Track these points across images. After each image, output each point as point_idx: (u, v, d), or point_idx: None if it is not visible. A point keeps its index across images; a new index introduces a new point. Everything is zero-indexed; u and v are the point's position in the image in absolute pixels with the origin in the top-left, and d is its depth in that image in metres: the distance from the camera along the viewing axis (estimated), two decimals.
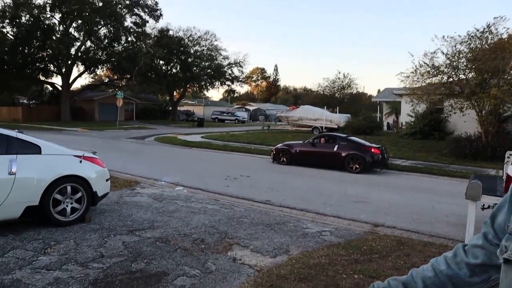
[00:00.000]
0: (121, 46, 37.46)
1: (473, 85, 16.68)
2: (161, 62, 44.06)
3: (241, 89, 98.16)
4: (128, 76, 38.21)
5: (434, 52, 17.77)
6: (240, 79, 50.35)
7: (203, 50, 46.47)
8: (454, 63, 17.42)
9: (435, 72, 17.87)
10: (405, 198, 9.22)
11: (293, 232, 5.89)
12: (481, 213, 6.34)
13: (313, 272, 4.30)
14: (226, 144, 20.45)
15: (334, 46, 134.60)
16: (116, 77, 41.48)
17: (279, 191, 9.32)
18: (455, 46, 17.28)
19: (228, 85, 50.92)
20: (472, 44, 16.97)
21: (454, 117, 19.13)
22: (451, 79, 17.80)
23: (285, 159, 14.49)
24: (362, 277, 4.19)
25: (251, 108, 61.27)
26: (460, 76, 17.73)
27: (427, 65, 17.85)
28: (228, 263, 4.50)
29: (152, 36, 40.64)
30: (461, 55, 17.21)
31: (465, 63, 17.36)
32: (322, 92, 57.23)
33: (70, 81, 36.68)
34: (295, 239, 5.55)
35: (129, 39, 37.48)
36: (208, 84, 49.43)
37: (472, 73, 17.24)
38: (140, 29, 37.05)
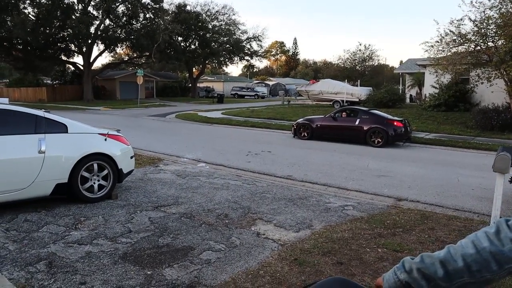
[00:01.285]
0: (139, 24, 37.43)
1: (503, 53, 15.97)
2: (180, 38, 43.90)
3: (260, 64, 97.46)
4: (148, 54, 38.33)
5: (461, 19, 17.07)
6: (259, 54, 49.81)
7: (221, 25, 45.97)
8: (483, 30, 16.68)
9: (461, 41, 17.20)
10: (428, 171, 9.09)
11: (316, 206, 5.92)
12: (508, 186, 6.21)
13: (337, 246, 4.33)
14: (246, 120, 20.46)
15: (355, 16, 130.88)
16: (135, 55, 41.68)
17: (301, 166, 9.33)
18: (484, 11, 16.52)
19: (247, 60, 50.54)
20: (503, 9, 16.16)
21: (481, 88, 18.50)
22: (478, 48, 17.10)
23: (306, 134, 14.42)
24: (385, 251, 4.21)
25: (270, 83, 60.80)
26: (488, 44, 17.00)
27: (453, 33, 17.18)
28: (252, 237, 4.58)
29: (170, 12, 40.38)
30: (490, 21, 16.43)
31: (494, 30, 16.58)
32: (342, 65, 56.20)
33: (91, 60, 37.10)
34: (318, 213, 5.58)
35: (147, 16, 37.37)
36: (227, 59, 49.13)
37: (502, 40, 16.47)
38: (157, 5, 36.81)
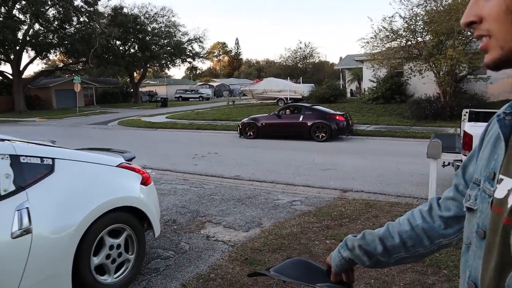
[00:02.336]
0: (73, 28, 35.52)
1: (430, 47, 17.07)
2: (118, 42, 42.31)
3: (203, 65, 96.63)
4: (84, 60, 36.50)
5: (392, 16, 18.05)
6: (201, 55, 49.26)
7: (161, 27, 44.90)
8: (412, 26, 17.71)
9: (394, 36, 18.14)
10: (371, 162, 9.47)
11: (264, 204, 5.94)
12: (442, 170, 6.62)
13: (286, 242, 4.36)
14: (191, 123, 20.18)
15: (295, 14, 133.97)
16: (71, 61, 39.53)
17: (248, 165, 9.34)
18: (412, 9, 17.56)
19: (190, 62, 49.79)
20: (428, 7, 17.27)
21: (414, 80, 19.62)
22: (409, 43, 18.14)
23: (252, 133, 14.48)
24: (333, 242, 4.30)
25: (214, 84, 60.48)
26: (417, 39, 18.08)
27: (386, 29, 18.07)
28: (201, 241, 4.49)
29: (106, 15, 38.78)
30: (418, 18, 17.50)
31: (422, 26, 17.68)
32: (284, 63, 57.25)
33: (21, 69, 34.66)
34: (267, 211, 5.60)
35: (81, 19, 35.56)
36: (168, 62, 48.08)
37: (429, 36, 17.60)
38: (91, 8, 35.16)
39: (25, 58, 35.20)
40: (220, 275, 3.65)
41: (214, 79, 69.84)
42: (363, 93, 25.21)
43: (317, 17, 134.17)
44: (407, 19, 17.64)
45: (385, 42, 18.45)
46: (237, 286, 3.43)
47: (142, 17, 43.16)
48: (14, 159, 2.71)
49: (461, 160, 5.89)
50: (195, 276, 3.65)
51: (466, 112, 7.19)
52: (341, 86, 31.57)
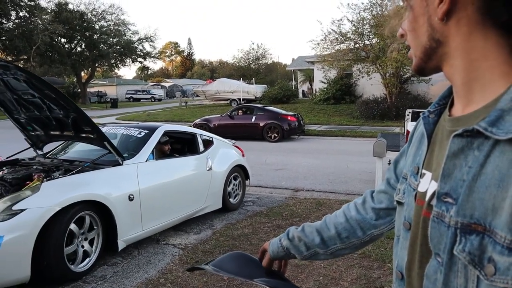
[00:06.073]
0: (11, 23, 33.42)
1: (377, 50, 17.79)
2: (63, 40, 40.32)
3: (154, 65, 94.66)
4: (26, 57, 34.47)
5: (341, 20, 18.64)
6: (153, 55, 48.09)
7: (109, 25, 43.30)
8: (359, 30, 18.38)
9: (342, 39, 18.73)
10: (322, 161, 9.69)
11: None
12: (387, 168, 6.87)
13: (237, 243, 4.35)
14: None
15: (247, 16, 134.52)
16: (10, 59, 37.18)
17: None
18: (359, 13, 18.23)
19: (140, 62, 48.45)
20: (374, 11, 18.00)
21: (362, 81, 20.35)
22: (357, 45, 18.79)
23: None
24: None
25: (167, 84, 59.30)
26: (365, 41, 18.79)
27: (335, 32, 18.63)
28: (151, 245, 4.37)
29: (49, 10, 36.82)
30: (365, 22, 18.19)
31: (368, 29, 18.40)
32: (237, 64, 57.31)
33: None
34: (219, 212, 5.55)
35: (21, 14, 33.54)
36: (118, 62, 46.52)
37: (376, 39, 18.35)
38: (32, 3, 33.26)
39: None
40: (170, 279, 3.57)
41: (166, 80, 68.45)
42: (314, 93, 25.79)
43: (270, 19, 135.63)
44: (354, 23, 18.29)
45: (334, 44, 19.01)
46: None
47: (89, 14, 41.44)
48: (200, 136, 5.52)
49: None
50: (144, 282, 3.54)
51: (409, 112, 7.55)
52: (293, 87, 32.09)
